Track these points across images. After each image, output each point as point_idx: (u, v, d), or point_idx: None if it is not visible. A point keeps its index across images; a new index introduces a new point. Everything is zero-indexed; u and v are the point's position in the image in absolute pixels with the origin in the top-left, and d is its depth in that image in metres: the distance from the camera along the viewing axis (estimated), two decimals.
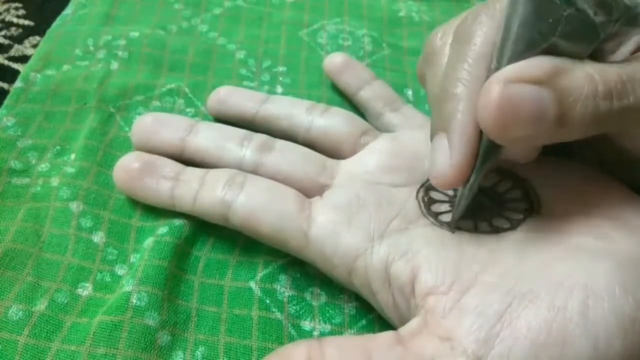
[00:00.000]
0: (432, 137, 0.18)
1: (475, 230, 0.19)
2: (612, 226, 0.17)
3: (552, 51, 0.16)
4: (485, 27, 0.17)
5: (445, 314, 0.16)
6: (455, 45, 0.18)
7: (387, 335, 0.17)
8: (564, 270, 0.16)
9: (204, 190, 0.22)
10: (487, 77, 0.16)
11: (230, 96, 0.27)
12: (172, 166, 0.23)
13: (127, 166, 0.23)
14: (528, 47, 0.16)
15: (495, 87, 0.15)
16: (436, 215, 0.20)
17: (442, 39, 0.20)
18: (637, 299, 0.15)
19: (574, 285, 0.15)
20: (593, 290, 0.15)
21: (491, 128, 0.16)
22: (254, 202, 0.21)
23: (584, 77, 0.15)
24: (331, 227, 0.20)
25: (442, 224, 0.19)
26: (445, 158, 0.17)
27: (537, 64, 0.15)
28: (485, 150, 0.17)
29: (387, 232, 0.19)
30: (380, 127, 0.26)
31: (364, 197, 0.21)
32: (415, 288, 0.18)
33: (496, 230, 0.19)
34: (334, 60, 0.29)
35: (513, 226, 0.19)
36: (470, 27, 0.18)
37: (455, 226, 0.19)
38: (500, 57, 0.16)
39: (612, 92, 0.15)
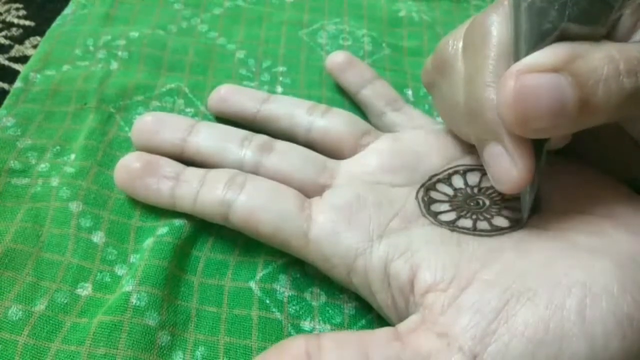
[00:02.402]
0: (481, 148, 0.18)
1: (475, 229, 0.19)
2: (612, 225, 0.17)
3: (566, 37, 0.15)
4: (498, 26, 0.17)
5: (443, 311, 0.16)
6: (471, 50, 0.18)
7: (385, 331, 0.17)
8: (562, 269, 0.16)
9: (204, 190, 0.22)
10: None
11: (231, 95, 0.27)
12: (173, 166, 0.23)
13: (129, 166, 0.23)
14: (540, 38, 0.15)
15: (510, 81, 0.15)
16: (435, 214, 0.20)
17: (454, 46, 0.19)
18: (635, 298, 0.15)
19: (572, 283, 0.15)
20: (591, 289, 0.15)
21: (512, 123, 0.15)
22: (254, 202, 0.21)
23: (603, 57, 0.15)
24: (331, 227, 0.20)
25: (441, 224, 0.19)
26: (508, 164, 0.16)
27: (551, 52, 0.15)
28: (535, 145, 0.17)
29: (386, 232, 0.19)
30: (381, 127, 0.26)
31: (363, 197, 0.21)
32: (415, 286, 0.18)
33: (496, 230, 0.19)
34: (337, 59, 0.29)
35: (513, 226, 0.19)
36: (483, 29, 0.17)
37: (524, 224, 0.18)
38: (517, 53, 0.16)
39: (636, 68, 0.15)
